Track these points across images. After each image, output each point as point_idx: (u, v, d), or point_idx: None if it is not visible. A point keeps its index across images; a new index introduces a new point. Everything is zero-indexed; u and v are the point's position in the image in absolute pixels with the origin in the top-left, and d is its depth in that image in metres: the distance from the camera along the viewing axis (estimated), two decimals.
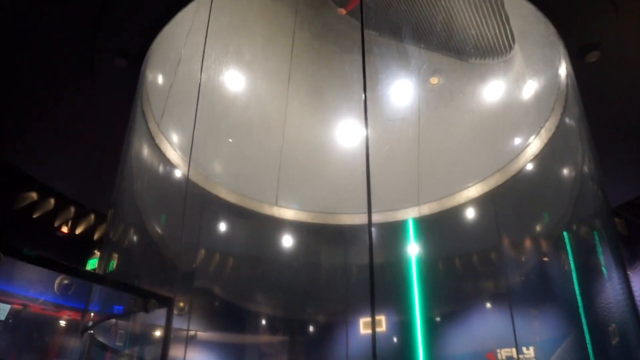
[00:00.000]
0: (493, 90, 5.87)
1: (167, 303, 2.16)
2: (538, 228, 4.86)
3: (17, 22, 3.66)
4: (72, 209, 6.74)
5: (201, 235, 5.76)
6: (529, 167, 4.68)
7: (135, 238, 4.57)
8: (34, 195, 6.30)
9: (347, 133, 7.08)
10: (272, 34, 6.49)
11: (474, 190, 5.42)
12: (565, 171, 4.43)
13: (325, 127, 6.98)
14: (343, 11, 5.30)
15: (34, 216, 6.46)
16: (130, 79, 3.78)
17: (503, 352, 6.05)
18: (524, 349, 5.93)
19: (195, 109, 4.10)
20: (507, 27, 5.49)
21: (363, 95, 3.64)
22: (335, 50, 6.54)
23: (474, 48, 6.03)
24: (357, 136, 7.04)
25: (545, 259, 4.88)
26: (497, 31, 5.62)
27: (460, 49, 6.24)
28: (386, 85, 6.47)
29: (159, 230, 4.72)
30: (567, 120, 4.00)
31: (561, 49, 3.75)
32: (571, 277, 4.30)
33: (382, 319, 6.58)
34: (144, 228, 4.62)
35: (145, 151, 4.44)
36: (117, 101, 4.06)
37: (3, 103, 4.53)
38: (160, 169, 4.90)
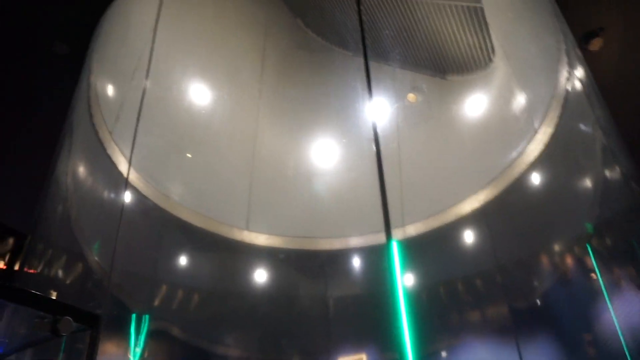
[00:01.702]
0: (475, 104, 5.61)
1: (91, 322, 1.57)
2: (544, 243, 4.40)
3: None
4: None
5: (159, 266, 5.09)
6: (526, 176, 4.31)
7: (65, 272, 3.88)
8: None
9: (323, 152, 6.68)
10: (241, 48, 6.15)
11: (464, 207, 5.01)
12: (576, 174, 4.05)
13: (300, 146, 6.56)
14: None
15: None
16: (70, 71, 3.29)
17: None
18: None
19: (138, 116, 3.59)
20: (486, 40, 5.31)
21: (366, 103, 3.25)
22: (306, 68, 6.26)
23: (452, 64, 5.82)
24: (333, 155, 6.66)
25: (563, 277, 4.38)
26: (477, 45, 5.43)
27: (437, 65, 6.04)
28: (362, 103, 6.15)
29: (99, 260, 4.02)
30: (570, 120, 3.69)
31: (563, 41, 3.49)
32: (597, 297, 3.79)
33: (362, 358, 5.95)
34: (81, 258, 3.93)
35: (89, 164, 3.84)
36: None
37: None
38: (109, 186, 4.27)
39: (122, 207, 3.46)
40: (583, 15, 3.18)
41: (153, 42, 4.01)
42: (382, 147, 5.68)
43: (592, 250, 3.63)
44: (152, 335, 5.58)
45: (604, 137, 3.26)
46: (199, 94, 5.38)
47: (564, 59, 3.63)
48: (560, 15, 3.41)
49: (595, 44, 3.24)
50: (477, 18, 5.07)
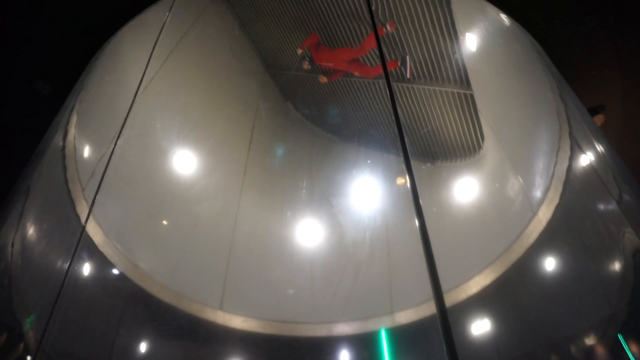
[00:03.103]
0: (466, 189, 5.51)
1: None
2: (555, 333, 3.99)
3: None
4: None
5: (116, 347, 4.44)
6: (527, 260, 4.06)
7: None
8: None
9: (307, 233, 6.36)
10: (231, 122, 6.09)
11: (459, 294, 4.65)
12: (590, 256, 3.79)
13: (283, 225, 6.24)
14: (325, 79, 5.07)
15: None
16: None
17: None
18: None
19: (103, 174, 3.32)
20: (476, 126, 5.38)
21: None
22: (293, 149, 6.20)
23: (441, 150, 5.84)
24: (318, 236, 6.33)
25: None
26: (466, 131, 5.49)
27: (426, 151, 6.05)
28: (347, 187, 6.02)
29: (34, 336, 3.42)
30: (575, 199, 3.56)
31: (565, 116, 3.47)
32: None
33: None
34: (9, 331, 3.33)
35: (49, 221, 3.43)
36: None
37: None
38: (71, 248, 3.83)
39: (68, 269, 3.00)
40: (583, 92, 3.23)
41: (133, 101, 3.86)
42: (369, 232, 5.47)
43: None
44: None
45: (623, 213, 3.12)
46: (183, 162, 5.17)
47: (566, 136, 3.61)
48: (564, 89, 3.45)
49: (597, 121, 3.26)
50: (467, 104, 5.17)
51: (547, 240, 3.97)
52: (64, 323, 3.63)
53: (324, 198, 5.78)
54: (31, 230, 3.31)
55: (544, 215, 4.11)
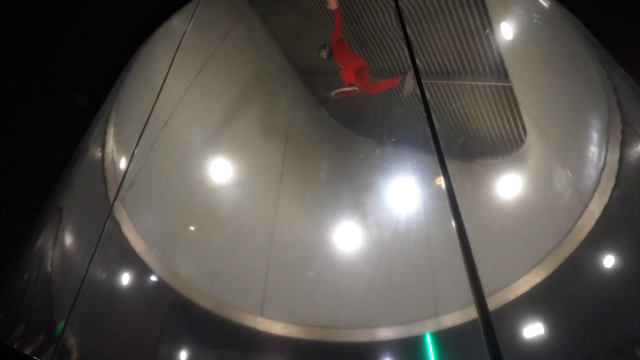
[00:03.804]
0: (510, 186, 5.27)
1: None
2: (625, 335, 3.69)
3: None
4: None
5: (158, 355, 4.48)
6: (579, 256, 3.80)
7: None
8: None
9: (346, 237, 6.26)
10: (266, 131, 6.10)
11: (507, 294, 4.43)
12: None
13: (321, 230, 6.17)
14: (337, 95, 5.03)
15: None
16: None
17: None
18: None
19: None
20: (517, 120, 5.15)
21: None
22: (329, 155, 6.14)
23: (482, 147, 5.62)
24: (357, 240, 6.23)
25: None
26: (507, 125, 5.26)
27: (466, 149, 5.84)
28: (385, 188, 5.89)
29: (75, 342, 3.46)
30: (631, 190, 3.30)
31: (615, 101, 3.24)
32: None
33: None
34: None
35: (87, 230, 3.48)
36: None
37: None
38: (113, 257, 3.90)
39: (86, 271, 3.02)
40: (636, 72, 3.01)
41: (151, 109, 3.89)
42: (410, 233, 5.32)
43: None
44: None
45: None
46: (220, 171, 5.22)
47: (617, 121, 3.37)
48: (614, 70, 3.23)
49: None
50: (506, 97, 4.95)
51: (602, 234, 3.71)
52: (104, 330, 3.70)
53: (363, 202, 5.67)
54: (70, 239, 3.39)
55: (596, 207, 3.85)
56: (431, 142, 3.54)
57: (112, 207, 3.44)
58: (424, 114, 3.82)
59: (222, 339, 4.72)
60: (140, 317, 3.81)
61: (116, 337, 3.58)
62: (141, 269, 3.91)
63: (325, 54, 4.48)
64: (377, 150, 5.52)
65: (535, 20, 4.31)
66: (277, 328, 4.76)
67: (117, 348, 3.57)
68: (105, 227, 3.00)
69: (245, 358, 4.83)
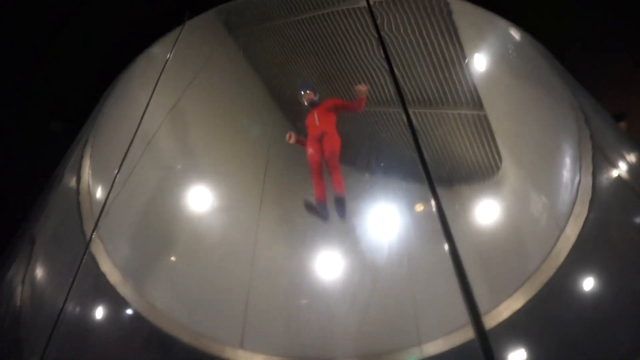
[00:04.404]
0: (487, 211, 5.34)
1: None
2: (607, 357, 3.67)
3: None
4: None
5: None
6: (558, 280, 3.83)
7: None
8: None
9: (328, 266, 6.19)
10: (245, 158, 6.06)
11: (489, 320, 4.42)
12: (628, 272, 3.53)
13: (302, 259, 6.09)
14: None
15: None
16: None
17: None
18: None
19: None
20: (492, 147, 5.26)
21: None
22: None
23: (459, 174, 5.70)
24: (337, 269, 6.16)
25: None
26: (483, 153, 5.37)
27: (443, 176, 5.92)
28: (365, 216, 5.89)
29: None
30: (607, 213, 3.37)
31: (587, 127, 3.35)
32: None
33: None
34: None
35: (59, 261, 3.34)
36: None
37: None
38: (86, 289, 3.74)
39: (65, 303, 2.86)
40: (604, 100, 3.14)
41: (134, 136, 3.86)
42: (390, 262, 5.30)
43: None
44: None
45: None
46: (197, 199, 5.15)
47: (588, 147, 3.49)
48: (584, 97, 3.35)
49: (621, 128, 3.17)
50: (482, 125, 5.07)
51: (579, 258, 3.77)
52: None
53: (342, 230, 5.65)
54: (42, 272, 3.25)
55: (572, 231, 3.93)
56: (420, 167, 3.61)
57: (90, 239, 3.33)
58: (412, 140, 3.91)
59: None
60: (117, 352, 3.65)
61: None
62: (117, 302, 3.77)
63: (311, 96, 4.02)
64: (366, 175, 5.54)
65: (509, 52, 4.47)
66: None
67: None
68: (83, 260, 2.89)
69: None
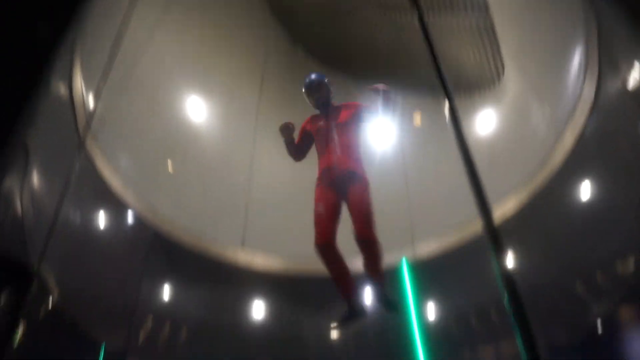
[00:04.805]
0: (487, 120, 5.29)
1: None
2: (588, 261, 3.78)
3: None
4: None
5: (142, 291, 4.48)
6: (553, 186, 3.88)
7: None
8: None
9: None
10: (240, 69, 5.90)
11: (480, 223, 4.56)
12: (622, 178, 3.53)
13: (299, 165, 6.17)
14: None
15: None
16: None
17: None
18: None
19: None
20: (496, 57, 5.09)
21: None
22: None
23: (460, 84, 5.57)
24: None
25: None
26: (485, 63, 5.21)
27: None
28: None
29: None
30: (605, 122, 3.31)
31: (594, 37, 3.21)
32: None
33: None
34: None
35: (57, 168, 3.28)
36: None
37: None
38: (87, 194, 3.74)
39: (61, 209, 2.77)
40: None
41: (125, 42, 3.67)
42: (388, 169, 5.35)
43: None
44: None
45: None
46: (195, 109, 5.07)
47: (595, 55, 3.38)
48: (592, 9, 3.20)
49: None
50: (487, 36, 4.87)
51: (575, 165, 3.80)
52: (84, 269, 3.65)
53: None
54: (39, 179, 3.25)
55: (569, 139, 3.92)
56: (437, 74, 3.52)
57: (83, 141, 3.29)
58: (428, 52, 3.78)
59: (206, 273, 4.74)
60: (121, 254, 3.78)
61: (97, 275, 3.55)
62: (119, 207, 3.84)
63: (323, 93, 2.28)
64: (358, 85, 5.43)
65: None
66: (258, 260, 4.83)
67: (99, 286, 3.55)
68: (78, 164, 2.86)
69: (229, 289, 4.91)
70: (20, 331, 3.32)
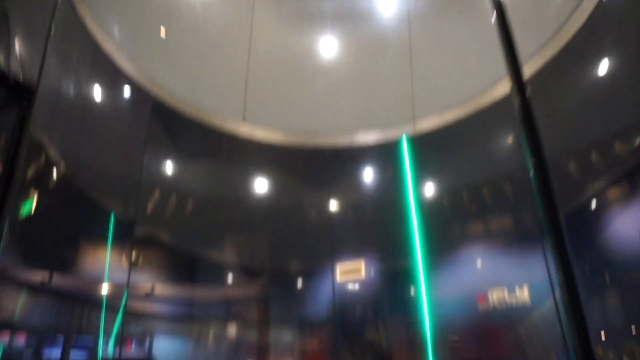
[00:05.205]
0: None
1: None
2: (600, 131, 3.87)
3: None
4: None
5: (146, 162, 4.54)
6: (565, 55, 3.78)
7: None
8: None
9: (326, 44, 6.03)
10: None
11: (487, 97, 4.55)
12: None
13: (300, 37, 5.90)
14: None
15: None
16: None
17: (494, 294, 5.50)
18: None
19: None
20: None
21: None
22: None
23: None
24: (337, 47, 6.03)
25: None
26: None
27: None
28: None
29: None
30: None
31: None
32: None
33: (361, 265, 5.74)
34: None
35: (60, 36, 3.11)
36: None
37: None
38: (88, 62, 3.61)
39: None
40: None
41: None
42: (391, 38, 5.11)
43: None
44: (142, 242, 5.20)
45: None
46: None
47: None
48: None
49: None
50: None
51: (588, 36, 3.64)
52: (86, 138, 3.62)
53: (342, 7, 5.30)
54: (23, 40, 3.05)
55: (587, 8, 3.70)
56: None
57: None
58: None
59: (208, 145, 4.77)
60: (122, 124, 3.72)
61: (101, 144, 3.53)
62: (115, 74, 3.68)
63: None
64: None
65: None
66: (259, 133, 4.84)
67: (101, 155, 3.54)
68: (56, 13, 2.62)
69: (231, 160, 4.98)
70: (34, 201, 3.40)
